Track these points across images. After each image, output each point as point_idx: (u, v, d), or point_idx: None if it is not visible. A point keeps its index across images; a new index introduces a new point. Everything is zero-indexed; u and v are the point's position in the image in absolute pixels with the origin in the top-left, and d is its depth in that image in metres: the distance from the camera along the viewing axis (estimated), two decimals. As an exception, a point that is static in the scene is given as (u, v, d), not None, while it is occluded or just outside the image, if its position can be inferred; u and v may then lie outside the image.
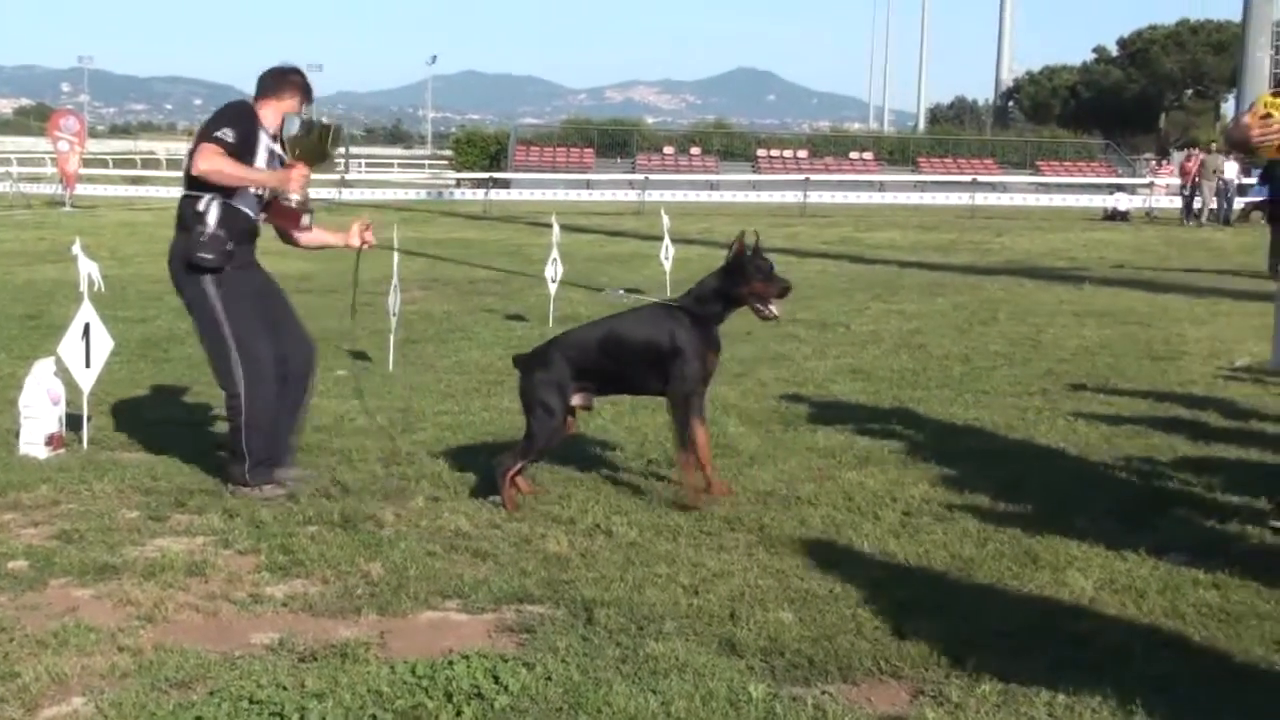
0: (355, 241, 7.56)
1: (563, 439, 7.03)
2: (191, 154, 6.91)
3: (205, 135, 6.84)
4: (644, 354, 6.77)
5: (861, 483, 7.15)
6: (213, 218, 6.92)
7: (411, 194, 51.21)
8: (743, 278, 6.80)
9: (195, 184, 6.89)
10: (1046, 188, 55.75)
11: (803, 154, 67.36)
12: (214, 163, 6.73)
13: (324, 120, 7.54)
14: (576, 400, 6.93)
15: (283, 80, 7.14)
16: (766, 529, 6.25)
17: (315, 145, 7.20)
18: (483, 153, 65.94)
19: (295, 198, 7.26)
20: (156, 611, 5.16)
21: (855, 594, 5.25)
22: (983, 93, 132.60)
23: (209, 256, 6.92)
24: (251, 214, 7.14)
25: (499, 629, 4.98)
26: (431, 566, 5.69)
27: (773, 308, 6.87)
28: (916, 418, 9.05)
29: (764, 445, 8.15)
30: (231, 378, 7.00)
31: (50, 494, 6.99)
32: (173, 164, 76.16)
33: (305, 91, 7.15)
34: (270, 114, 7.08)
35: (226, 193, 6.92)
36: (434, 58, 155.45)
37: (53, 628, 4.94)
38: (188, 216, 6.97)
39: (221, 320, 6.99)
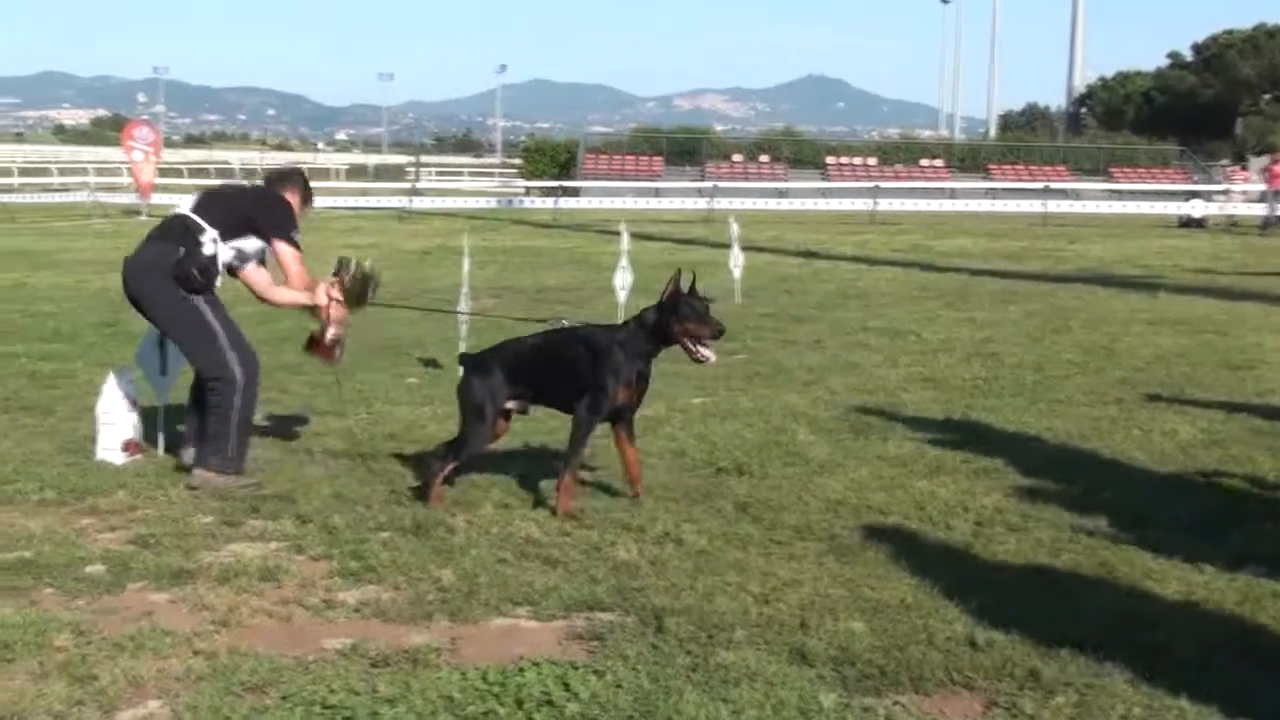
0: (321, 300, 7.76)
1: (492, 442, 7.19)
2: (260, 233, 7.53)
3: (283, 234, 7.50)
4: (569, 372, 6.83)
5: (933, 492, 7.10)
6: (222, 256, 7.46)
7: (481, 202, 51.41)
8: (675, 316, 6.81)
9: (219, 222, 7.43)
10: (1120, 195, 55.16)
11: (872, 161, 67.07)
12: (298, 269, 7.58)
13: (365, 266, 7.97)
14: (510, 405, 7.06)
15: (294, 178, 7.89)
16: (837, 538, 6.22)
17: (357, 290, 7.82)
18: (552, 161, 66.13)
19: (332, 333, 7.81)
20: (231, 616, 5.22)
21: (927, 604, 5.22)
22: (1055, 99, 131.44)
23: (202, 282, 7.38)
24: (243, 263, 7.69)
25: (569, 636, 4.99)
26: (502, 573, 5.71)
27: (704, 350, 6.84)
28: (989, 427, 8.99)
29: (834, 454, 8.12)
30: (225, 365, 7.35)
31: (127, 499, 7.08)
32: (246, 173, 77.07)
33: (308, 193, 7.95)
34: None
35: (229, 237, 7.50)
36: (503, 66, 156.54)
37: (129, 631, 5.00)
38: (187, 239, 7.34)
39: (208, 318, 7.40)
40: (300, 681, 4.48)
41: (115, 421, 8.10)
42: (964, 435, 8.67)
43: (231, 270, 7.73)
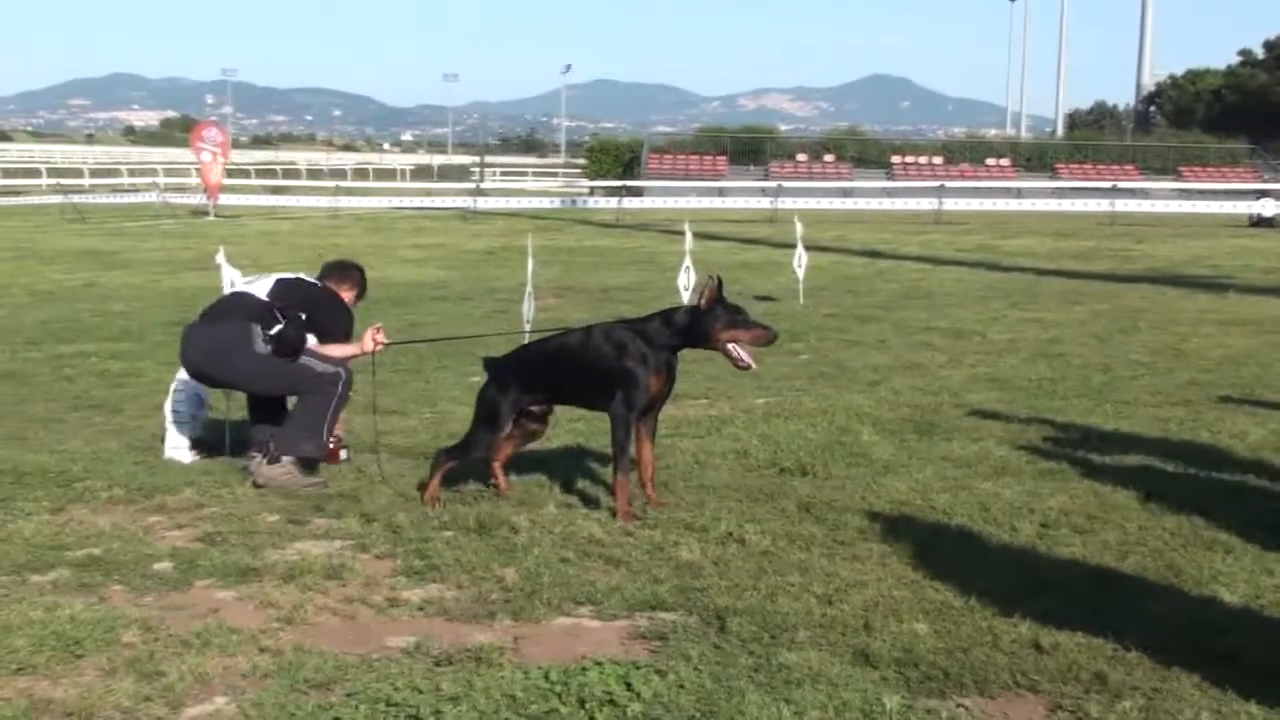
0: (370, 346, 7.90)
1: (514, 447, 7.25)
2: (322, 335, 7.82)
3: (344, 339, 7.90)
4: (596, 371, 6.80)
5: (998, 493, 7.05)
6: (291, 331, 7.66)
7: (545, 202, 51.58)
8: (717, 322, 6.72)
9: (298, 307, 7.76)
10: (1189, 194, 54.60)
11: (938, 160, 66.75)
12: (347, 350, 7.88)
13: None
14: (533, 409, 7.11)
15: (353, 274, 8.27)
16: (901, 539, 6.18)
17: None
18: (616, 161, 66.25)
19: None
20: (296, 614, 5.26)
21: (992, 606, 5.18)
22: (1123, 97, 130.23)
23: (296, 349, 7.66)
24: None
25: (632, 636, 4.99)
26: (565, 573, 5.72)
27: (746, 355, 6.75)
28: (1055, 428, 8.91)
29: (898, 454, 8.08)
30: (325, 374, 7.60)
31: (194, 497, 7.16)
32: (312, 173, 77.66)
33: (364, 288, 8.34)
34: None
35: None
36: (568, 67, 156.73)
37: (196, 628, 5.05)
38: (266, 320, 7.60)
39: (300, 362, 7.64)
40: (364, 679, 4.51)
41: (183, 421, 8.20)
42: (1029, 436, 8.61)
43: None
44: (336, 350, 7.81)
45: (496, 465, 7.22)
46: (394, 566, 5.91)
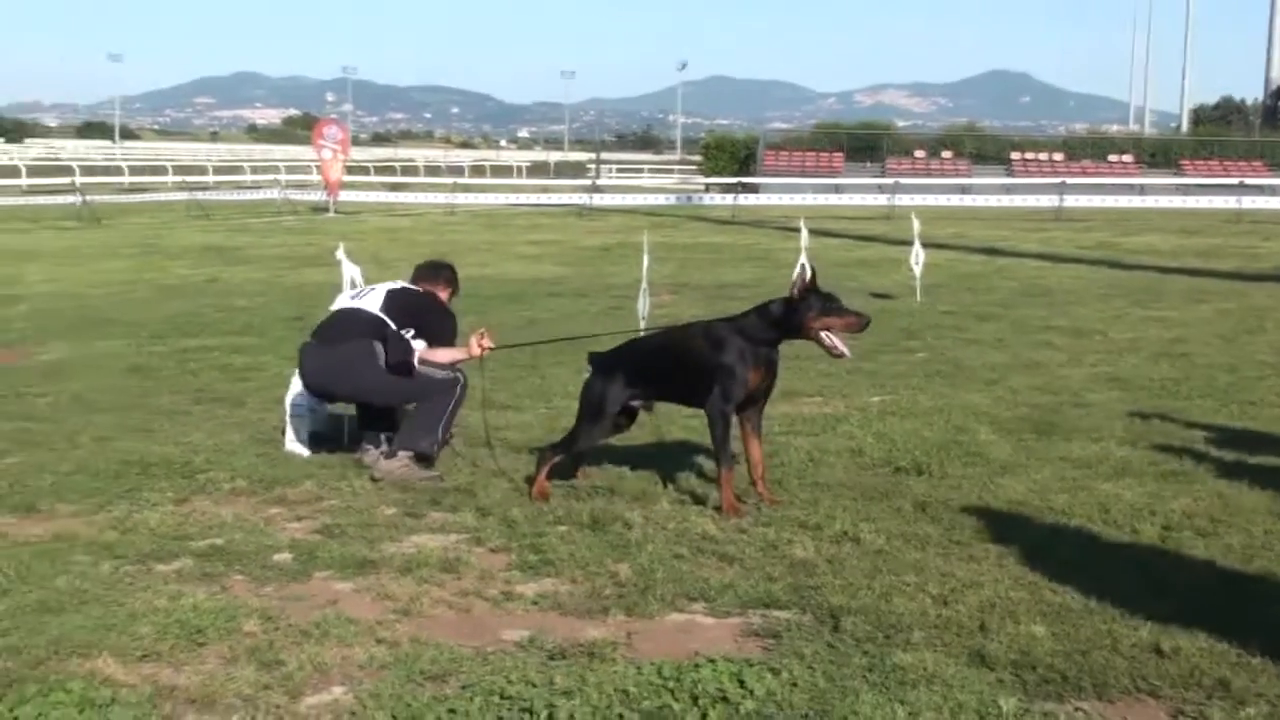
0: (476, 351, 7.96)
1: (607, 438, 7.37)
2: (430, 340, 7.98)
3: (449, 343, 8.05)
4: (695, 366, 6.82)
5: (1118, 495, 6.95)
6: (419, 345, 7.92)
7: (661, 199, 51.64)
8: (810, 310, 6.73)
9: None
10: (1319, 190, 53.29)
11: (1058, 157, 65.74)
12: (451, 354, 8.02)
13: None
14: (634, 404, 7.19)
15: (445, 273, 8.51)
16: (1018, 540, 6.11)
17: None
18: (732, 157, 66.06)
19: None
20: (413, 606, 5.33)
21: (1111, 609, 5.11)
22: (1251, 92, 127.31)
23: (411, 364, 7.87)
24: None
25: (745, 633, 4.99)
26: (678, 569, 5.74)
27: (840, 344, 6.74)
28: (1178, 429, 8.75)
29: (1015, 454, 7.99)
30: (442, 381, 7.81)
31: (313, 490, 7.28)
32: (430, 170, 78.45)
33: (456, 285, 8.57)
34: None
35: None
36: (684, 64, 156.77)
37: (315, 619, 5.13)
38: (385, 332, 7.82)
39: (416, 373, 7.88)
40: (479, 672, 4.55)
41: (304, 414, 8.33)
42: (1152, 437, 8.47)
43: None
44: (444, 355, 7.94)
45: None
46: (509, 560, 5.96)
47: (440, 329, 8.02)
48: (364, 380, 7.74)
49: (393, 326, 7.82)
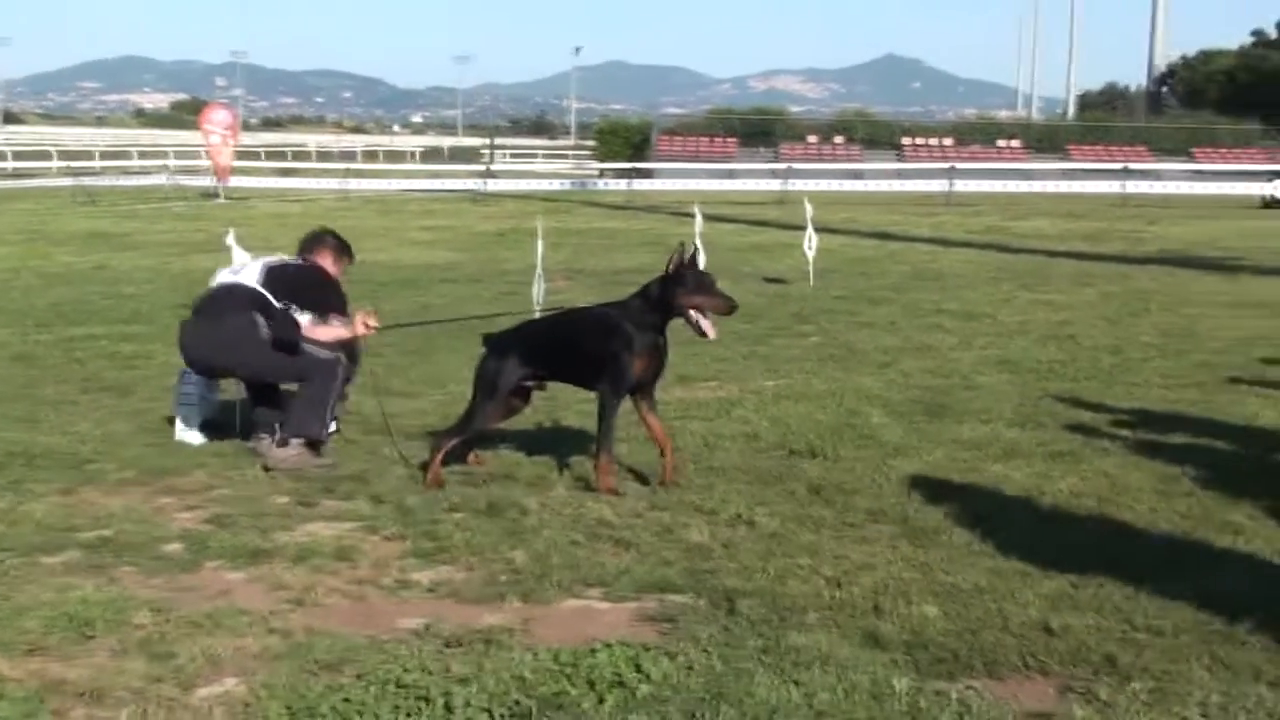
0: (361, 330, 7.99)
1: (500, 420, 7.41)
2: (317, 313, 7.87)
3: (339, 311, 7.96)
4: (584, 350, 6.94)
5: (1008, 476, 7.05)
6: (304, 319, 7.78)
7: (555, 184, 51.59)
8: (680, 288, 6.80)
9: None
10: (1202, 175, 54.38)
11: (948, 142, 66.53)
12: (343, 330, 7.92)
13: None
14: (528, 384, 7.26)
15: (326, 241, 8.31)
16: (910, 521, 6.19)
17: None
18: (626, 143, 66.12)
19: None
20: (306, 595, 5.28)
21: (1002, 588, 5.18)
22: (1135, 78, 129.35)
23: (296, 340, 7.73)
24: None
25: (641, 618, 5.00)
26: (574, 555, 5.73)
27: (705, 324, 6.83)
28: (1065, 410, 8.90)
29: (908, 436, 8.07)
30: (322, 361, 7.67)
31: (205, 479, 7.19)
32: (322, 155, 77.62)
33: (343, 250, 8.34)
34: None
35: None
36: (579, 48, 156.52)
37: (207, 609, 5.07)
38: (268, 308, 7.66)
39: (299, 350, 7.72)
40: (375, 660, 4.52)
41: (194, 403, 8.21)
42: (1040, 419, 8.60)
43: None
44: (328, 333, 7.86)
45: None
46: (404, 548, 5.92)
47: (324, 300, 7.92)
48: (246, 355, 7.61)
49: (273, 301, 7.69)
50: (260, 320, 7.58)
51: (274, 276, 7.82)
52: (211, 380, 8.29)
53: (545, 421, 8.45)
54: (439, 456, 7.06)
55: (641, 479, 7.04)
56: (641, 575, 5.44)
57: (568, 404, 8.93)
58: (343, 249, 8.33)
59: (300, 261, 8.09)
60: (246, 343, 7.55)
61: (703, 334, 6.89)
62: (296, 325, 7.72)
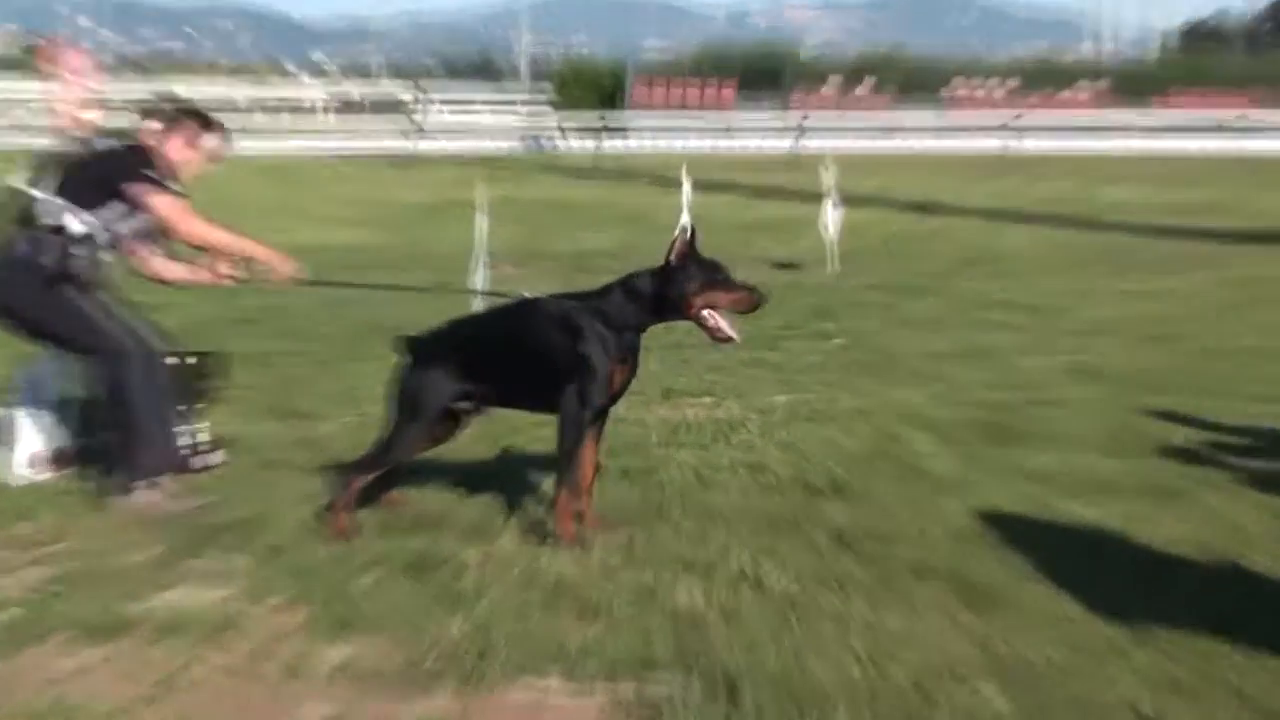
0: (206, 277, 8.00)
1: (424, 450, 7.21)
2: (117, 192, 7.59)
3: (137, 179, 7.61)
4: (542, 360, 6.80)
5: (1090, 517, 7.03)
6: (95, 234, 7.57)
7: (502, 144, 51.64)
8: (690, 283, 6.74)
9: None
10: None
11: (1007, 88, 66.78)
12: (186, 222, 7.79)
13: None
14: (462, 405, 7.06)
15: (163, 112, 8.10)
16: (966, 578, 6.15)
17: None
18: (593, 90, 66.22)
19: None
20: (176, 679, 5.23)
21: (1083, 665, 5.17)
22: (1238, 6, 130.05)
23: (75, 268, 7.50)
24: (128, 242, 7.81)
25: (614, 708, 4.98)
26: (526, 625, 5.69)
27: (725, 326, 6.75)
28: (1163, 432, 8.90)
29: (961, 468, 8.05)
30: (111, 338, 7.45)
31: (46, 527, 7.13)
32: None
33: (181, 121, 8.07)
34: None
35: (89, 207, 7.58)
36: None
37: (48, 699, 5.02)
38: (37, 224, 7.45)
39: (78, 303, 7.50)
40: (263, 768, 4.45)
41: (33, 427, 8.13)
42: (1131, 444, 8.59)
43: (119, 251, 7.85)
44: (170, 270, 7.74)
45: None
46: (302, 618, 5.87)
47: (117, 170, 7.62)
48: (19, 289, 7.42)
49: (55, 200, 7.44)
50: (31, 241, 7.39)
51: (80, 174, 7.57)
52: (55, 394, 8.20)
53: (486, 448, 8.41)
54: (347, 498, 6.97)
55: (615, 522, 6.98)
56: (615, 652, 5.39)
57: (517, 426, 8.86)
58: (205, 122, 8.08)
59: (124, 147, 7.78)
60: (17, 276, 7.40)
61: (723, 338, 6.76)
62: (59, 253, 7.40)
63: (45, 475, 8.04)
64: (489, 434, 8.55)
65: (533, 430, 8.57)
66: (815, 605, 5.88)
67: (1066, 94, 65.96)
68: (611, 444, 8.39)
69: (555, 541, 6.62)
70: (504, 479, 7.74)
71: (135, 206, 7.58)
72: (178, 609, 5.94)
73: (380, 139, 51.53)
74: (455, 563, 6.41)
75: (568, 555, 6.49)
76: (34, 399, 8.13)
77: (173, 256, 7.92)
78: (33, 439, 8.14)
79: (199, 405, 8.15)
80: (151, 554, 6.68)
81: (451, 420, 7.18)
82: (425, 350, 7.08)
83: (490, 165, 40.03)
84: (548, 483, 7.67)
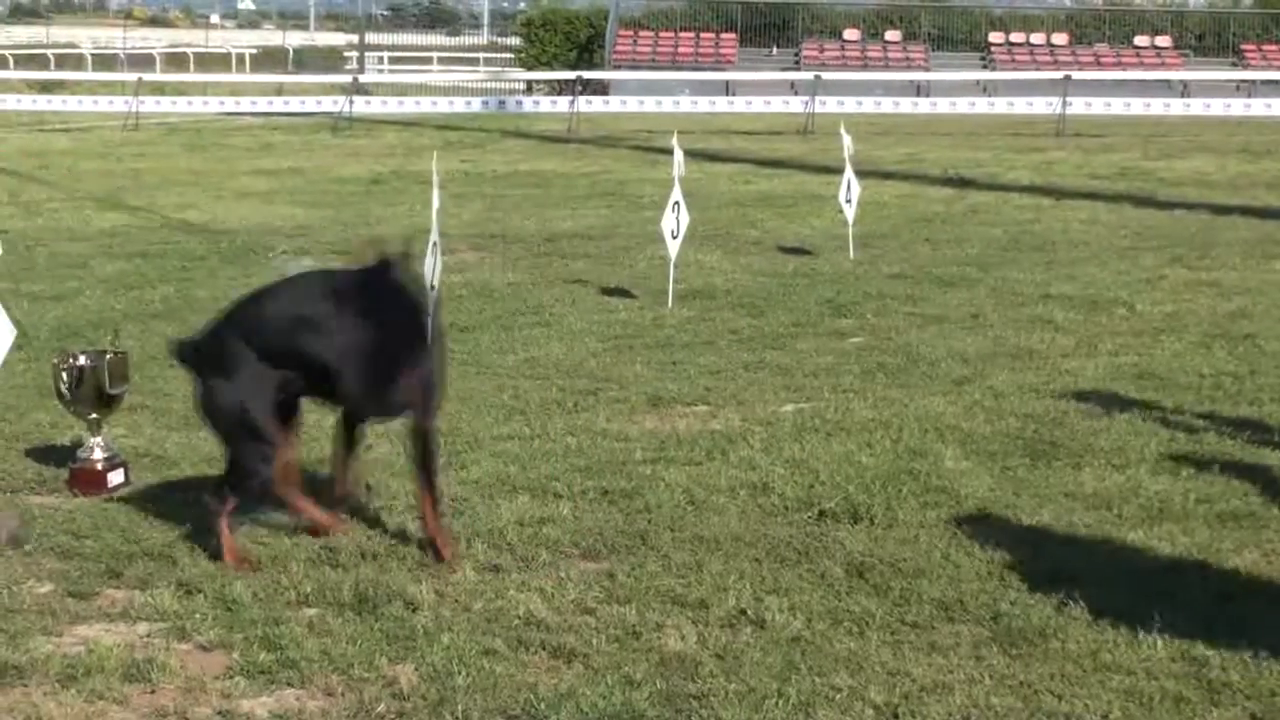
0: None
1: (294, 444, 7.32)
2: None
3: None
4: (379, 347, 6.96)
5: (1152, 547, 7.07)
6: None
7: (459, 104, 51.46)
8: None
9: None
10: None
11: (1061, 40, 66.71)
12: None
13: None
14: (291, 392, 7.17)
15: None
16: (1004, 618, 6.21)
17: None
18: (567, 41, 66.07)
19: None
20: (79, 735, 5.25)
21: (1140, 718, 5.20)
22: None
23: None
24: None
25: (593, 768, 5.00)
26: (489, 671, 5.73)
27: None
28: (1240, 449, 8.94)
29: (999, 488, 8.10)
30: None
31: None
32: (101, 62, 77.38)
33: None
34: None
35: None
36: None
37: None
38: None
39: None
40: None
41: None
42: (1202, 461, 8.62)
43: None
44: None
45: (294, 494, 7.34)
46: (229, 662, 5.91)
47: None
48: None
49: None
50: None
51: None
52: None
53: (446, 458, 8.44)
54: (224, 527, 7.06)
55: (594, 551, 7.04)
56: (593, 702, 5.44)
57: (477, 440, 8.93)
58: None
59: None
60: None
61: None
62: None
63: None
64: (443, 448, 8.63)
65: (489, 445, 8.65)
66: (827, 648, 5.94)
67: (1135, 46, 65.89)
68: (589, 461, 8.49)
69: (443, 566, 6.80)
70: (460, 502, 7.79)
71: None
72: (81, 652, 5.95)
73: (314, 97, 51.31)
74: (406, 598, 6.45)
75: (537, 590, 6.55)
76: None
77: None
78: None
79: (104, 413, 8.22)
80: (49, 590, 6.70)
81: (290, 414, 7.26)
82: (214, 346, 7.15)
83: (445, 130, 39.96)
84: (513, 507, 7.74)
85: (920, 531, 7.38)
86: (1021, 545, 7.14)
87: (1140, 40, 66.79)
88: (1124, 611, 6.29)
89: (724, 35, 65.54)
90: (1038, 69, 58.12)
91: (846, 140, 18.00)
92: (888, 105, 45.73)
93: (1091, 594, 6.48)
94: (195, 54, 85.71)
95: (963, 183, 25.91)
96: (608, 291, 14.81)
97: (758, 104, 47.01)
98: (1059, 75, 48.23)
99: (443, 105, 50.39)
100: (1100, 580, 6.65)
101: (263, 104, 50.84)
